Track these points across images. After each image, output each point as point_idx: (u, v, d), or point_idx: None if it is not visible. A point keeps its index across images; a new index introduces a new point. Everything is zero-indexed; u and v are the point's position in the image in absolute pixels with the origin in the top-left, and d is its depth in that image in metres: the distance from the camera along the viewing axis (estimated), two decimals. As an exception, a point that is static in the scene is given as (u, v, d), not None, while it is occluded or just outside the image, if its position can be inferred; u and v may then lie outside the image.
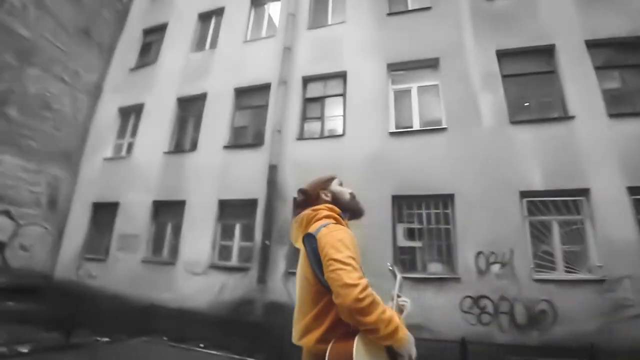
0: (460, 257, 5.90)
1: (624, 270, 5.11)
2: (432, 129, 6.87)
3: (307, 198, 1.65)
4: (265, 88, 8.79)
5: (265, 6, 10.04)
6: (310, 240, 1.40)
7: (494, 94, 6.58)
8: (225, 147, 8.58)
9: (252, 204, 7.77)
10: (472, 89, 6.76)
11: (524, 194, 5.92)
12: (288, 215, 7.33)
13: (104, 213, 9.37)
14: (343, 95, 8.05)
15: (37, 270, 8.78)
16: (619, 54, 6.35)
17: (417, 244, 6.42)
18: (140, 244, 8.52)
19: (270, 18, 9.86)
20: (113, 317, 6.41)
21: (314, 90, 8.49)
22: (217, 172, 8.36)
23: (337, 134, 7.77)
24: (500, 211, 5.87)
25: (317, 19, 9.12)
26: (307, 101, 8.47)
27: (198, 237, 7.96)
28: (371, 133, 7.25)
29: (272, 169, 7.74)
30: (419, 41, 7.54)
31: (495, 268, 5.60)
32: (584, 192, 5.70)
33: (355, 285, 1.15)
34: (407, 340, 1.26)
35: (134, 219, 8.84)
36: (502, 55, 6.87)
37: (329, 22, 8.85)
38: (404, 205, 6.69)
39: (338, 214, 1.56)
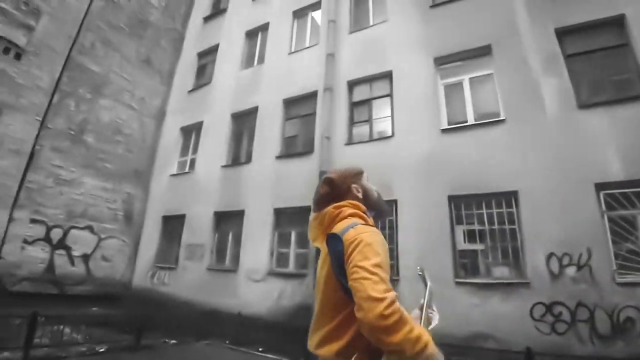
0: (529, 260, 5.39)
1: None
2: (489, 122, 6.42)
3: (334, 190, 1.46)
4: (312, 96, 8.92)
5: (307, 16, 10.23)
6: (335, 241, 1.26)
7: (558, 78, 5.98)
8: (278, 157, 8.82)
9: (305, 211, 7.85)
10: (531, 75, 6.21)
11: (600, 187, 5.26)
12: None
13: (173, 225, 10.12)
14: (390, 95, 7.88)
15: (117, 279, 9.77)
16: None
17: (479, 246, 6.01)
18: (205, 253, 9.05)
19: (312, 27, 10.01)
20: (181, 321, 6.86)
21: (360, 93, 8.43)
22: (271, 181, 8.62)
23: (386, 135, 7.61)
24: (573, 207, 5.27)
25: (358, 21, 9.08)
26: (354, 105, 8.43)
27: (257, 245, 8.24)
28: (422, 132, 6.99)
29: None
30: (466, 30, 7.14)
31: (571, 271, 5.02)
32: (677, 179, 4.92)
33: (380, 300, 1.03)
34: (435, 357, 1.10)
35: (199, 229, 9.42)
36: (563, 34, 6.22)
37: (371, 23, 8.75)
38: (462, 205, 6.31)
39: (364, 212, 1.40)
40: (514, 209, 5.84)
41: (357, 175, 1.54)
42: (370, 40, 8.46)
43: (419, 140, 6.96)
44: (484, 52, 6.90)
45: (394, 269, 6.47)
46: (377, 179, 6.29)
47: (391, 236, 6.76)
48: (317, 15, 10.01)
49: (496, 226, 5.93)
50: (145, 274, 9.98)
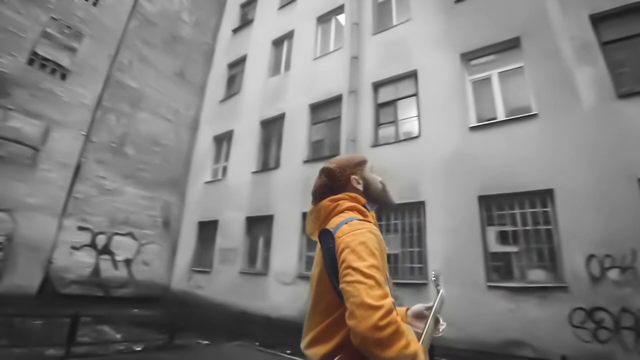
0: (567, 262, 5.06)
1: None
2: (520, 117, 6.10)
3: (332, 181, 1.35)
4: (337, 100, 8.95)
5: (331, 21, 10.30)
6: (327, 238, 1.16)
7: (593, 66, 5.59)
8: (305, 161, 8.92)
9: (333, 214, 7.86)
10: (564, 65, 5.86)
11: (645, 182, 4.86)
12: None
13: (207, 230, 10.50)
14: (416, 95, 7.73)
15: (156, 282, 10.30)
16: None
17: (512, 248, 5.72)
18: (237, 257, 9.30)
19: (336, 31, 10.07)
20: (215, 322, 7.10)
21: (385, 94, 8.34)
22: (299, 186, 8.72)
23: (413, 136, 7.47)
24: (615, 205, 4.89)
25: (382, 22, 9.01)
26: (380, 106, 8.35)
27: (286, 249, 8.36)
28: (449, 130, 6.79)
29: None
30: (493, 23, 6.87)
31: (613, 274, 4.65)
32: None
33: (376, 308, 0.92)
34: None
35: (231, 234, 9.71)
36: (598, 20, 5.81)
37: (394, 23, 8.65)
38: (493, 206, 6.05)
39: (363, 205, 1.29)
40: (550, 209, 5.51)
41: (359, 165, 1.41)
42: (394, 40, 8.37)
43: (446, 140, 6.77)
44: (512, 44, 6.60)
45: (423, 272, 6.33)
46: (404, 180, 6.22)
47: (419, 239, 6.62)
48: (341, 18, 10.06)
49: (530, 227, 5.62)
50: (182, 277, 10.42)
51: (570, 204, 5.24)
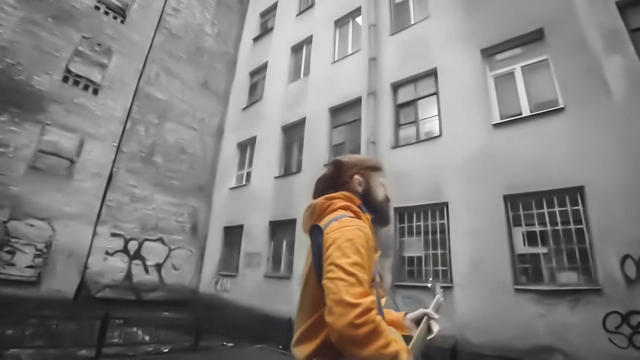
0: (600, 264, 4.76)
1: None
2: (547, 111, 5.82)
3: (337, 175, 1.37)
4: (356, 102, 8.93)
5: (348, 24, 10.31)
6: (316, 234, 1.15)
7: (623, 55, 5.27)
8: (326, 165, 8.93)
9: (354, 217, 7.83)
10: (592, 55, 5.56)
11: (686, 176, 4.51)
12: (390, 227, 7.16)
13: (233, 235, 10.73)
14: (436, 94, 7.58)
15: (186, 286, 10.64)
16: None
17: (541, 249, 5.45)
18: (262, 261, 9.44)
19: (354, 34, 10.07)
20: (239, 325, 7.22)
21: (405, 94, 8.23)
22: (321, 189, 8.73)
23: (434, 135, 7.31)
24: (652, 201, 4.58)
25: (399, 22, 8.91)
26: (399, 107, 8.25)
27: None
28: (472, 128, 6.60)
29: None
30: (514, 15, 6.63)
31: (651, 274, 4.35)
32: None
33: (353, 306, 0.91)
34: None
35: (256, 238, 9.87)
36: (626, 6, 5.47)
37: (412, 22, 8.54)
38: (519, 205, 5.80)
39: (358, 206, 1.28)
40: (580, 207, 5.22)
41: (369, 168, 1.39)
42: (413, 39, 8.26)
43: (469, 138, 6.58)
44: (535, 37, 6.35)
45: (447, 275, 6.16)
46: (426, 181, 6.10)
47: (443, 241, 6.46)
48: (358, 21, 10.06)
49: (560, 226, 5.34)
50: (210, 281, 10.69)
51: (602, 202, 4.95)
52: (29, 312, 6.02)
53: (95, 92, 9.66)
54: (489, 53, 6.91)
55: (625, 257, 4.56)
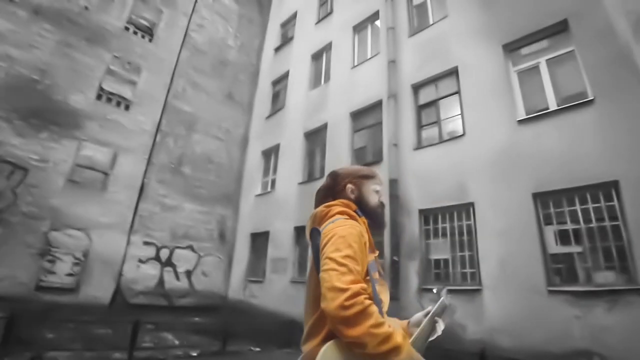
0: (640, 261, 4.48)
1: None
2: (575, 104, 5.57)
3: (333, 185, 1.50)
4: (377, 106, 8.90)
5: (367, 29, 10.34)
6: (315, 236, 1.27)
7: (657, 42, 4.99)
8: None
9: (378, 220, 7.76)
10: (621, 43, 5.28)
11: None
12: (415, 229, 7.06)
13: (260, 241, 10.90)
14: (458, 92, 7.44)
15: (215, 292, 10.89)
16: None
17: (574, 248, 5.17)
18: (288, 266, 9.51)
19: (372, 38, 10.07)
20: (267, 330, 7.30)
21: (426, 95, 8.13)
22: (344, 193, 8.72)
23: (457, 135, 7.15)
24: (696, 193, 4.26)
25: (418, 23, 8.86)
26: (421, 108, 8.15)
27: (333, 257, 8.36)
28: (496, 126, 6.41)
29: (393, 183, 7.65)
30: (535, 8, 6.42)
31: (699, 272, 4.03)
32: None
33: (343, 290, 1.00)
34: None
35: (282, 244, 9.97)
36: (659, -10, 5.20)
37: (430, 22, 8.45)
38: (550, 203, 5.55)
39: (354, 211, 1.38)
40: (615, 202, 4.93)
41: (361, 177, 1.50)
42: (432, 39, 8.17)
43: (493, 136, 6.39)
44: (559, 28, 6.11)
45: (476, 278, 5.96)
46: (450, 181, 5.99)
47: (470, 242, 6.27)
48: (377, 24, 10.07)
49: (594, 224, 5.06)
50: (238, 287, 10.87)
51: (639, 196, 4.66)
52: (68, 317, 6.36)
53: (127, 107, 10.21)
54: (511, 48, 6.72)
55: (668, 255, 4.25)
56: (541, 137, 5.78)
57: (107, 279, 8.77)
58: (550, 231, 5.45)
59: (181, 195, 10.88)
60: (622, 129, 4.98)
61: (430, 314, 1.37)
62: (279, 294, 9.27)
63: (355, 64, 10.07)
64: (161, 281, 9.78)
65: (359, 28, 10.52)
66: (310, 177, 10.20)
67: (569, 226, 5.28)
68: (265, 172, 12.20)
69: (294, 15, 13.71)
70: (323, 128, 10.23)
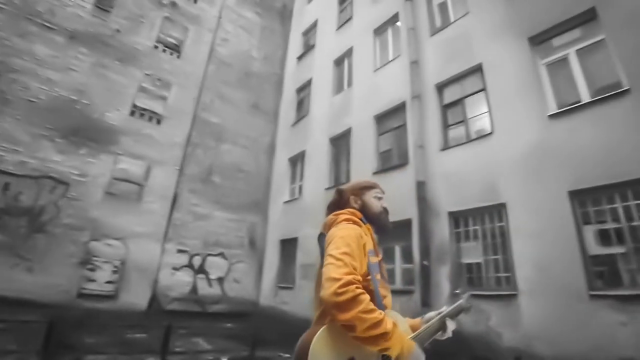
0: (694, 261, 4.11)
1: None
2: (609, 95, 5.24)
3: (339, 199, 1.68)
4: (401, 108, 8.79)
5: (387, 32, 10.27)
6: (322, 240, 1.45)
7: (701, 23, 4.61)
8: (375, 172, 8.86)
9: (406, 224, 7.64)
10: (659, 28, 4.94)
11: None
12: (444, 232, 6.87)
13: (289, 247, 10.99)
14: (484, 89, 7.20)
15: (247, 298, 11.08)
16: None
17: (617, 249, 4.82)
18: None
19: (393, 41, 9.99)
20: (297, 336, 7.29)
21: (451, 94, 7.93)
22: (370, 198, 8.64)
23: (485, 133, 6.91)
24: None
25: (438, 22, 8.70)
26: (446, 108, 7.96)
27: (362, 262, 8.27)
28: (526, 122, 6.13)
29: (420, 186, 7.50)
30: (562, -2, 6.14)
31: None
32: None
33: (337, 279, 1.14)
34: (401, 352, 1.18)
35: (311, 250, 9.99)
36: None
37: (452, 20, 8.27)
38: (588, 201, 5.22)
39: (359, 218, 1.56)
40: (661, 198, 4.57)
41: (363, 189, 1.69)
42: (454, 37, 7.99)
43: (523, 132, 6.12)
44: (587, 17, 5.78)
45: (511, 282, 5.69)
46: (480, 181, 5.80)
47: (503, 244, 6.00)
48: (398, 26, 9.98)
49: (638, 222, 4.71)
50: (269, 293, 10.99)
51: (690, 191, 4.29)
52: (106, 322, 6.71)
53: (159, 122, 10.72)
54: (537, 41, 6.43)
55: None
56: (575, 132, 5.47)
57: (144, 286, 9.16)
58: (589, 231, 5.12)
59: (212, 203, 11.22)
60: (665, 118, 4.62)
61: (443, 313, 1.51)
62: (309, 300, 9.27)
63: (377, 67, 10.01)
64: (194, 288, 10.08)
65: (379, 31, 10.47)
66: (336, 182, 10.19)
67: (610, 225, 4.94)
68: (293, 179, 12.32)
69: (315, 24, 13.88)
70: (347, 133, 10.22)
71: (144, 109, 10.56)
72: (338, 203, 1.67)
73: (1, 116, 8.17)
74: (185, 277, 10.03)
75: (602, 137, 5.13)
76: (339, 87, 11.43)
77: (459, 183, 6.88)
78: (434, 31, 8.58)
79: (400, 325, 1.31)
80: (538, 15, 6.40)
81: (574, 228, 5.16)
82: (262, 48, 14.26)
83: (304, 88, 13.19)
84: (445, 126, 7.81)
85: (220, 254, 10.96)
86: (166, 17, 11.79)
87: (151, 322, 6.99)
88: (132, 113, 10.32)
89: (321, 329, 1.17)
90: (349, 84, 10.92)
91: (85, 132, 9.26)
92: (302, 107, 13.07)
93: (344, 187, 1.72)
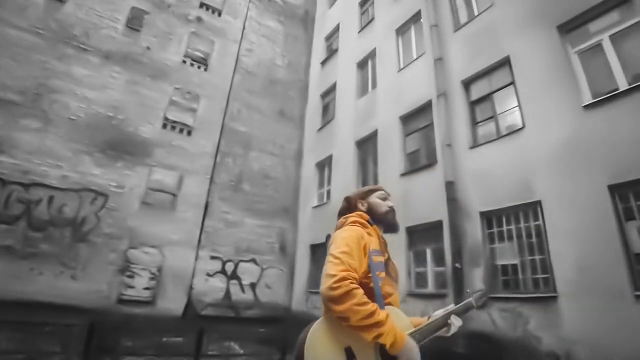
0: None
1: None
2: (650, 81, 4.90)
3: (348, 206, 1.80)
4: (427, 107, 8.63)
5: (410, 31, 10.13)
6: (328, 241, 1.54)
7: None
8: (402, 174, 8.73)
9: (437, 226, 7.46)
10: None
11: None
12: (477, 233, 6.63)
13: (319, 252, 11.01)
14: (513, 83, 6.92)
15: (279, 304, 11.18)
16: None
17: (665, 246, 4.47)
18: (347, 278, 9.44)
19: (416, 39, 9.82)
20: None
21: (479, 90, 7.68)
22: (399, 200, 8.50)
23: (516, 128, 6.62)
24: None
25: (462, 17, 8.47)
26: (474, 104, 7.72)
27: (392, 266, 8.14)
28: (559, 114, 5.82)
29: (449, 186, 7.31)
30: (592, -19, 5.79)
31: None
32: None
33: (333, 276, 1.24)
34: (394, 342, 1.25)
35: (340, 255, 9.95)
36: None
37: (476, 13, 8.03)
38: (629, 195, 4.85)
39: (367, 220, 1.65)
40: None
41: (367, 192, 1.82)
42: (479, 31, 7.75)
43: (557, 125, 5.80)
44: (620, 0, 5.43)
45: (549, 284, 5.39)
46: (512, 179, 5.59)
47: (540, 244, 5.71)
48: (420, 23, 9.82)
49: (690, 216, 4.33)
50: (300, 299, 11.04)
51: None
52: (144, 327, 7.02)
53: (189, 133, 11.13)
54: (567, 29, 6.10)
55: None
56: (613, 122, 5.13)
57: (179, 292, 9.50)
58: (633, 227, 4.76)
59: (242, 211, 11.46)
60: None
61: (449, 311, 1.60)
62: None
63: (401, 66, 9.88)
64: (228, 293, 10.32)
65: (402, 30, 10.35)
66: (364, 185, 10.09)
67: (657, 220, 4.57)
68: (321, 184, 12.36)
69: (337, 28, 13.93)
70: (374, 135, 10.13)
71: (175, 122, 11.00)
72: (347, 210, 1.78)
73: (45, 134, 8.81)
74: (218, 283, 10.30)
75: (643, 126, 4.77)
76: (363, 90, 11.38)
77: (491, 181, 6.63)
78: (458, 26, 8.36)
79: (400, 321, 1.42)
80: (565, 3, 6.08)
81: (615, 224, 4.82)
82: (285, 55, 14.50)
83: (329, 92, 13.24)
84: (474, 123, 7.57)
85: (252, 260, 11.16)
86: (192, 32, 12.26)
87: (187, 327, 7.23)
88: (164, 126, 10.79)
89: (318, 320, 1.28)
90: (373, 86, 10.84)
91: (121, 146, 9.79)
92: (327, 111, 13.12)
93: (351, 194, 1.84)
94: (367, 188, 1.85)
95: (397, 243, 8.19)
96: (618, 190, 4.92)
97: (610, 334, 4.40)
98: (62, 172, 8.80)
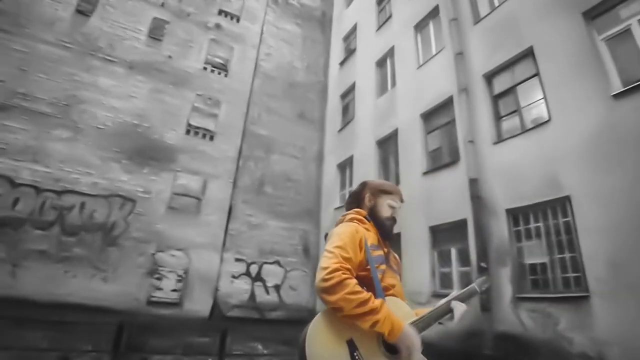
0: None
1: None
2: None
3: (359, 191, 1.77)
4: (448, 103, 8.46)
5: (428, 26, 9.96)
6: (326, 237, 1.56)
7: None
8: (424, 173, 8.59)
9: (461, 225, 7.29)
10: None
11: None
12: (503, 231, 6.43)
13: (341, 254, 10.98)
14: (537, 74, 6.66)
15: (303, 305, 11.26)
16: None
17: None
18: (371, 278, 9.37)
19: (435, 34, 9.64)
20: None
21: (501, 83, 7.45)
22: (422, 199, 8.39)
23: (542, 121, 6.36)
24: None
25: (482, 8, 8.24)
26: (497, 98, 7.49)
27: (416, 266, 8.03)
28: (587, 104, 5.55)
29: (473, 183, 7.12)
30: (619, -37, 5.48)
31: None
32: None
33: (325, 268, 1.26)
34: (391, 329, 1.26)
35: (363, 256, 9.89)
36: None
37: (496, 4, 7.79)
38: (669, 188, 4.58)
39: (364, 216, 1.65)
40: None
41: (381, 191, 1.74)
42: (499, 22, 7.52)
43: (585, 116, 5.53)
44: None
45: (581, 283, 5.13)
46: (539, 174, 5.41)
47: (570, 242, 5.45)
48: (439, 18, 9.63)
49: None
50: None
51: None
52: (172, 327, 7.25)
53: (212, 138, 11.43)
54: (592, 15, 5.82)
55: None
56: (647, 110, 4.83)
57: (206, 294, 9.74)
58: (677, 224, 4.46)
59: (265, 213, 11.63)
60: None
61: (451, 297, 1.60)
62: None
63: (421, 63, 9.72)
64: (252, 295, 10.48)
65: (420, 26, 10.19)
66: (385, 185, 10.01)
67: None
68: (342, 185, 12.35)
69: (354, 27, 13.89)
70: (394, 134, 10.02)
71: (198, 127, 11.30)
72: (357, 195, 1.76)
73: (75, 143, 9.29)
74: (243, 285, 10.47)
75: (683, 113, 4.47)
76: (382, 89, 11.28)
77: (516, 177, 6.41)
78: (478, 19, 8.15)
79: (401, 311, 1.42)
80: (593, -14, 5.79)
81: (657, 222, 4.54)
82: (304, 58, 14.61)
83: (348, 93, 13.21)
84: (497, 118, 7.35)
85: (276, 262, 11.29)
86: (212, 39, 12.58)
87: (213, 327, 7.41)
88: (188, 132, 11.12)
89: (318, 314, 1.31)
90: (393, 84, 10.72)
91: (147, 153, 10.17)
92: (347, 112, 13.09)
93: (368, 181, 1.78)
94: (384, 186, 1.76)
95: (421, 243, 8.06)
96: (654, 183, 4.63)
97: (647, 336, 4.14)
98: (92, 179, 9.25)
